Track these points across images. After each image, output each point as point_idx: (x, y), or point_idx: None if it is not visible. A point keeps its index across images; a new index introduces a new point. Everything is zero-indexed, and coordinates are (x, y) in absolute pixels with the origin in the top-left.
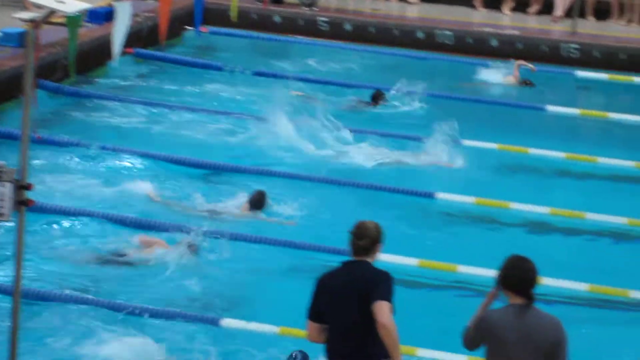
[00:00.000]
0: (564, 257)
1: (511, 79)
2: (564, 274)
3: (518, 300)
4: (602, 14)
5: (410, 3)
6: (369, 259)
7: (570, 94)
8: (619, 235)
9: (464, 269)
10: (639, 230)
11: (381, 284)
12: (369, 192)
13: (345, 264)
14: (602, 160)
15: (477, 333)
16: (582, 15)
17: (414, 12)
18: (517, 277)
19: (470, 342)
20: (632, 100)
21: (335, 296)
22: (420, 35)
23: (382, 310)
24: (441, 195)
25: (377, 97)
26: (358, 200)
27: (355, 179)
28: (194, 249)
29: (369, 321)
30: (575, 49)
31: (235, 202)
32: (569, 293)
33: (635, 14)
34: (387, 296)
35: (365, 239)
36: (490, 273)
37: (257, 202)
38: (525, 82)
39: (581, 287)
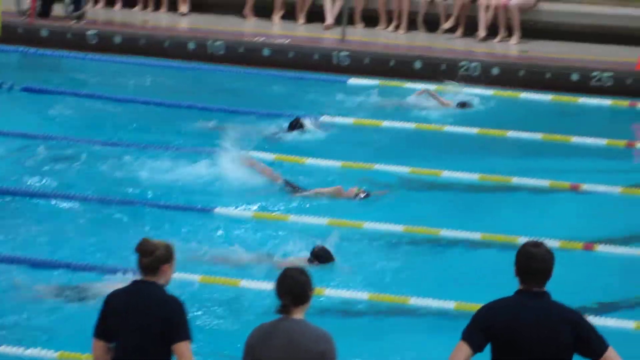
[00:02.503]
0: (344, 267)
1: (448, 103)
2: (344, 284)
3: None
4: (370, 21)
5: (180, 14)
6: (159, 281)
7: (344, 102)
8: (393, 242)
9: (246, 284)
10: (410, 236)
11: (179, 319)
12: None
13: (135, 283)
14: (378, 167)
15: (244, 355)
16: (351, 22)
17: (185, 23)
18: (278, 286)
19: None
20: (403, 107)
21: (124, 317)
22: (191, 46)
23: (185, 353)
24: (219, 210)
25: (295, 125)
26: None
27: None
28: None
29: (157, 350)
30: (346, 56)
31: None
32: (349, 303)
33: (402, 21)
34: (188, 332)
35: (148, 257)
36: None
37: (323, 258)
38: (462, 105)
39: (361, 296)
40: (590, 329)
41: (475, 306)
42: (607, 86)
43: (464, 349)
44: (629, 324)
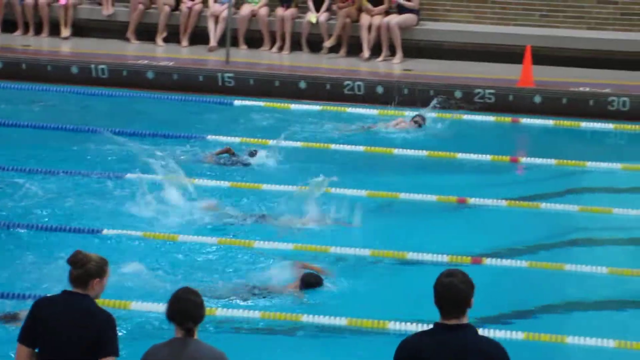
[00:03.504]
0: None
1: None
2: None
3: (180, 334)
4: (254, 42)
5: (62, 38)
6: (89, 293)
7: (230, 123)
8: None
9: (137, 306)
10: (300, 253)
11: (110, 333)
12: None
13: (65, 294)
14: (266, 187)
15: None
16: (235, 44)
17: (67, 48)
18: (175, 309)
19: None
20: (292, 127)
21: (52, 325)
22: (74, 70)
23: None
24: (108, 232)
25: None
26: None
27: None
28: None
29: None
30: (231, 77)
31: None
32: (241, 321)
33: (286, 41)
34: (116, 348)
35: (79, 269)
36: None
37: (312, 285)
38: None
39: (254, 314)
40: None
41: (366, 322)
42: (490, 103)
43: None
44: (519, 335)
